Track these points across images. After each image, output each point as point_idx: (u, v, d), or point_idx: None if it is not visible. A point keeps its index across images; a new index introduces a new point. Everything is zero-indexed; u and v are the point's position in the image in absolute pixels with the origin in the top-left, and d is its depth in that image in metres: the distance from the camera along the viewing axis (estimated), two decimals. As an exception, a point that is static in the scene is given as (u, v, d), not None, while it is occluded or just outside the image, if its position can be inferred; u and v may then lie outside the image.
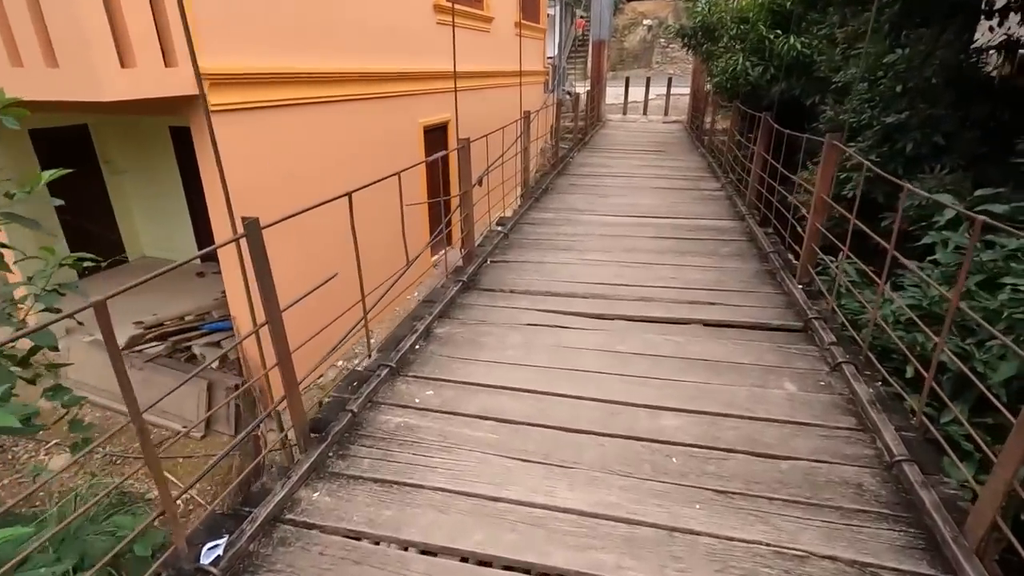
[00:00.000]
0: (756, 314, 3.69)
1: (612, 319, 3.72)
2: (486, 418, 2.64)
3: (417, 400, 2.79)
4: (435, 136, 8.83)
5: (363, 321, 2.93)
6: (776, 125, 5.62)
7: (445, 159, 8.69)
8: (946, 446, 2.39)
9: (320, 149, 6.16)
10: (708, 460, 2.36)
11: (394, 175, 3.14)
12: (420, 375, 3.02)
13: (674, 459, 2.37)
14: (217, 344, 6.24)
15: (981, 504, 1.92)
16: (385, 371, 2.95)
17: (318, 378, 6.36)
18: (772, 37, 8.71)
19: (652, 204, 6.65)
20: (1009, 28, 5.73)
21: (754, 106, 8.70)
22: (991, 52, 6.06)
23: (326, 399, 2.83)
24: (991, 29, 5.67)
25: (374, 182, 2.93)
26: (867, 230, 3.12)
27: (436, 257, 8.56)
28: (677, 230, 5.59)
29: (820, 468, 2.30)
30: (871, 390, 2.74)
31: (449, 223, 4.79)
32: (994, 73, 6.13)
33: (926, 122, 5.20)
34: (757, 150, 6.18)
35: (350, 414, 2.57)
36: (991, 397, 2.10)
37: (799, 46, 8.19)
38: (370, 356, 3.12)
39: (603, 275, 4.41)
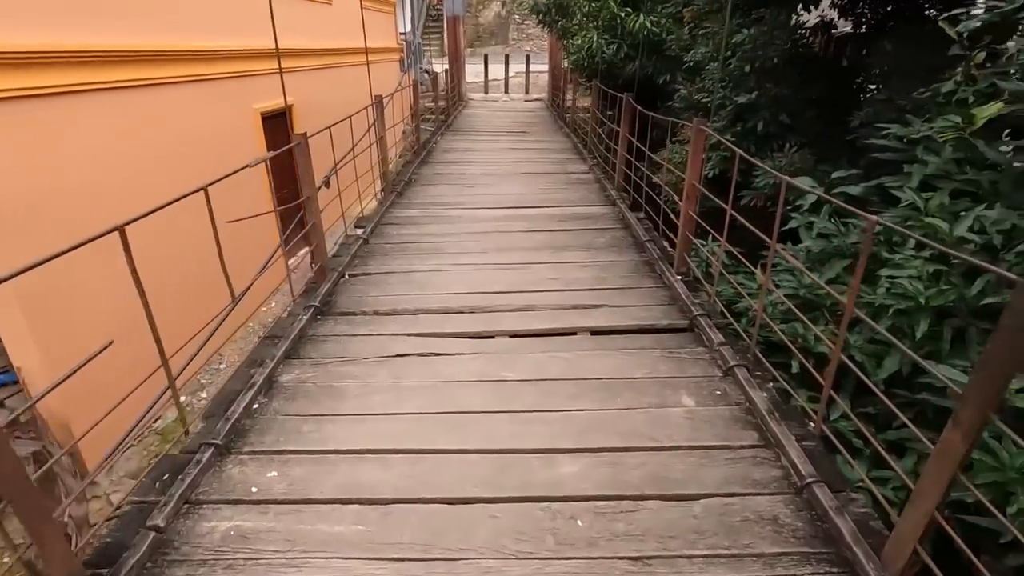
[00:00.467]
0: (642, 315, 3.48)
1: (494, 337, 3.30)
2: (348, 501, 2.09)
3: (254, 489, 2.15)
4: (277, 125, 7.74)
5: (170, 388, 2.21)
6: (639, 107, 5.51)
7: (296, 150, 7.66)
8: (840, 447, 2.31)
9: (121, 149, 4.97)
10: (617, 516, 2.03)
11: (200, 190, 2.40)
12: (259, 449, 2.36)
13: (579, 521, 2.01)
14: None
15: (900, 532, 1.79)
16: (209, 451, 2.26)
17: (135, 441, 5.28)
18: (623, 15, 8.73)
19: (522, 192, 6.32)
20: (823, 10, 6.12)
21: (612, 84, 8.73)
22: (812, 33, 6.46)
23: (124, 506, 2.09)
24: (807, 11, 6.00)
25: (169, 202, 2.18)
26: (748, 224, 2.99)
27: (294, 260, 7.57)
28: (550, 221, 5.31)
29: (733, 504, 2.08)
30: (765, 395, 2.61)
31: (298, 232, 4.04)
32: (821, 54, 6.56)
33: (773, 102, 5.39)
34: (622, 132, 6.08)
35: (152, 533, 1.88)
36: (885, 399, 2.00)
37: (649, 24, 8.27)
38: (187, 433, 2.39)
39: (479, 282, 3.97)
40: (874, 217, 1.93)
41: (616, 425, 2.50)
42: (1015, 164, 2.39)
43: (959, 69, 3.10)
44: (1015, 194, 2.44)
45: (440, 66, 14.88)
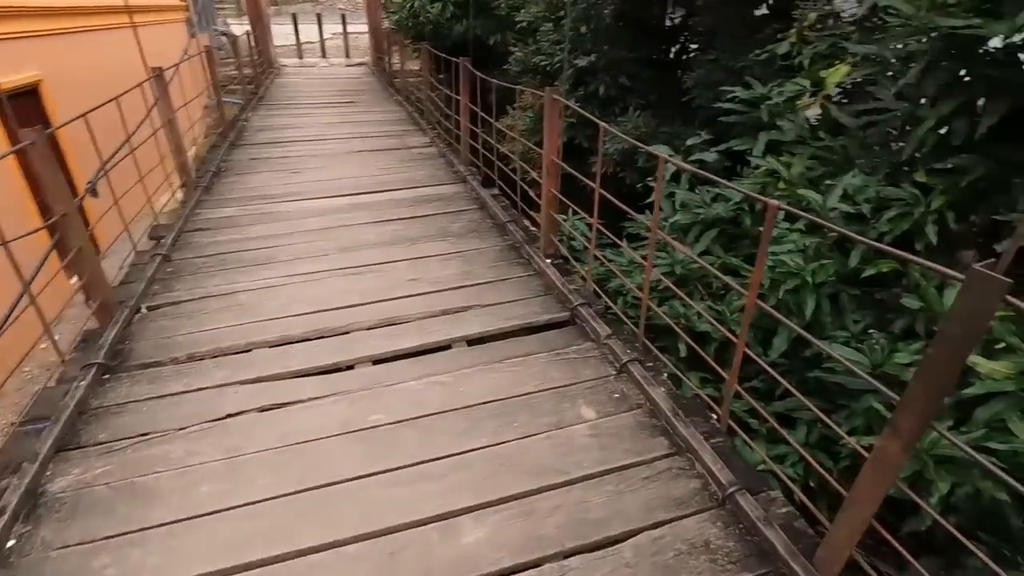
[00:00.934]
0: (520, 312, 3.15)
1: (353, 367, 2.73)
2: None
3: None
4: (25, 106, 5.92)
5: None
6: (480, 74, 5.05)
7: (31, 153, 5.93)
8: (738, 430, 2.22)
9: None
10: (543, 589, 1.69)
11: None
12: (22, 619, 1.60)
13: (501, 610, 1.63)
14: None
15: (835, 539, 1.68)
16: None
17: None
18: (446, -30, 8.10)
19: (359, 175, 5.57)
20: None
21: (441, 46, 8.14)
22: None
23: None
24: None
25: None
26: (616, 201, 2.75)
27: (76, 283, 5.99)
28: (398, 208, 4.71)
29: (663, 538, 1.85)
30: (664, 390, 2.44)
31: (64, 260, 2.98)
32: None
33: (612, 64, 5.30)
34: (463, 101, 5.59)
35: None
36: (780, 379, 1.90)
37: (475, -19, 7.77)
38: None
39: (325, 295, 3.31)
40: (774, 202, 1.75)
41: (518, 461, 2.14)
42: (865, 129, 2.41)
43: (792, 31, 3.11)
44: (864, 159, 2.47)
45: (240, 28, 12.86)
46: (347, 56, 15.79)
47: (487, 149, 5.08)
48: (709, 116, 5.02)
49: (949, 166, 2.43)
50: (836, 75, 2.45)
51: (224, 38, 12.90)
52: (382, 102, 9.56)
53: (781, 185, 2.66)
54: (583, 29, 5.23)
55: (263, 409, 2.43)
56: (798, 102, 2.74)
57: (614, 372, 2.63)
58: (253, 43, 10.85)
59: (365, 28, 14.62)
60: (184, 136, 5.20)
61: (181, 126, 5.14)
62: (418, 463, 2.13)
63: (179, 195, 5.05)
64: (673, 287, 2.58)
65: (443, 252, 3.88)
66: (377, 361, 2.77)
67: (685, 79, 5.11)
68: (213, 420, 2.36)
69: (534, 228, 4.19)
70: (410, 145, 6.75)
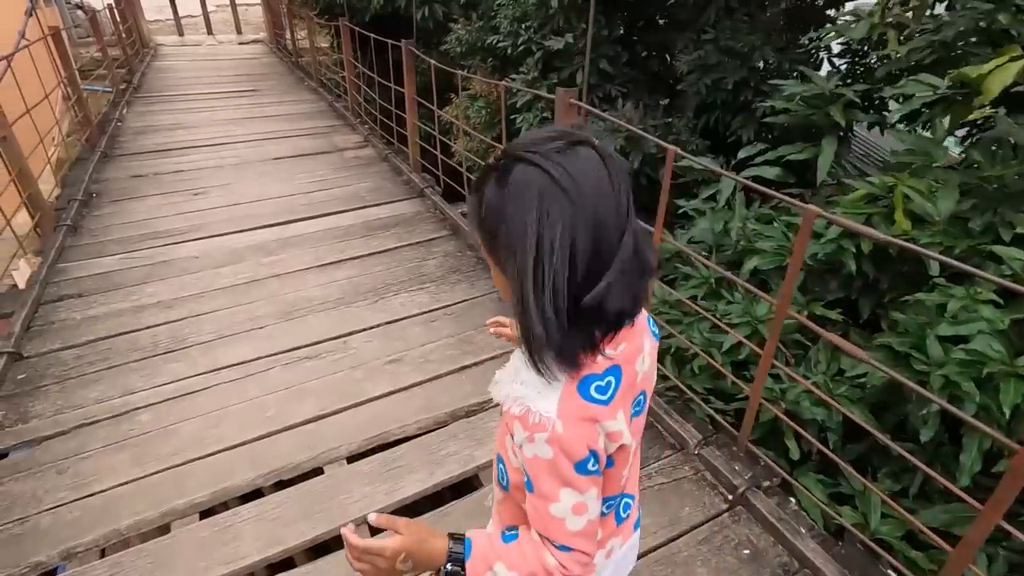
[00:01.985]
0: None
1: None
2: None
3: None
4: None
5: None
6: (435, 62, 4.02)
7: None
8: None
9: None
10: None
11: None
12: None
13: None
14: None
15: None
16: None
17: None
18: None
19: (284, 192, 4.38)
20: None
21: (357, 21, 6.86)
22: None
23: None
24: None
25: None
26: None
27: None
28: (346, 240, 3.65)
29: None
30: (814, 542, 1.71)
31: None
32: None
33: (593, 46, 4.42)
34: (407, 93, 4.53)
35: None
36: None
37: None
38: None
39: (275, 405, 2.28)
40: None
41: None
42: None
43: (875, 5, 2.40)
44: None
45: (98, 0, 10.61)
46: (238, 32, 13.73)
47: (438, 149, 4.08)
48: (702, 105, 4.33)
49: None
50: (1003, 76, 1.77)
51: (80, 12, 10.69)
52: (292, 89, 8.10)
53: (931, 233, 1.96)
54: (553, 3, 4.31)
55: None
56: (927, 110, 2.02)
57: (725, 507, 1.87)
58: (117, 18, 8.86)
59: (257, -1, 12.71)
60: (30, 153, 3.78)
61: (23, 141, 3.72)
62: None
63: (25, 248, 3.67)
64: (758, 350, 1.84)
65: (424, 308, 2.92)
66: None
67: (676, 62, 4.35)
68: None
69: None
70: (340, 146, 5.56)
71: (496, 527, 0.86)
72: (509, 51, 4.72)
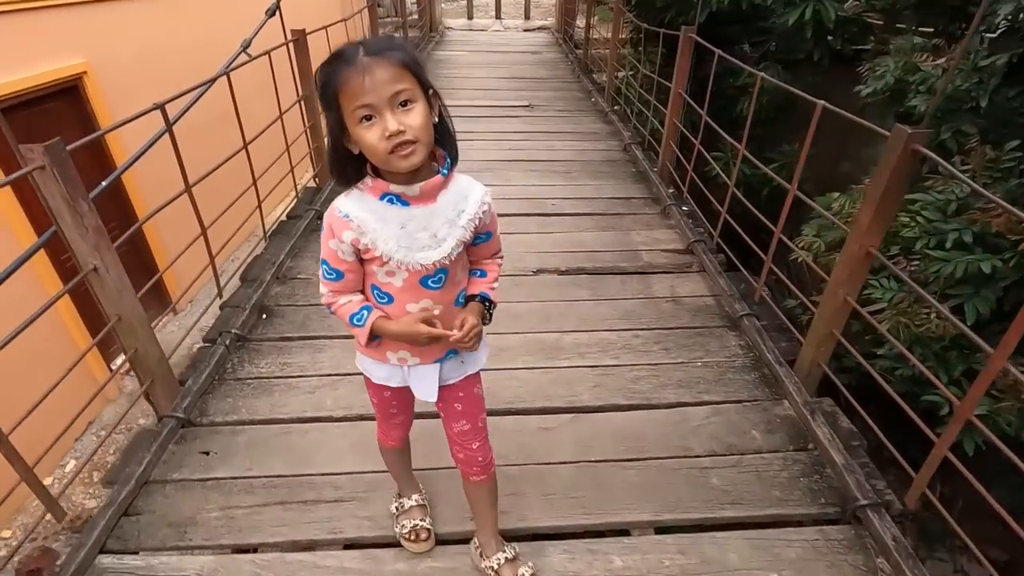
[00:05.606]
0: None
1: None
2: None
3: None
4: (52, 114, 4.22)
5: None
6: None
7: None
8: None
9: None
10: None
11: None
12: None
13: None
14: None
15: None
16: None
17: None
18: None
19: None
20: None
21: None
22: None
23: None
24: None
25: None
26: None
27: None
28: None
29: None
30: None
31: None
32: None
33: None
34: (674, 87, 3.35)
35: None
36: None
37: None
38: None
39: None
40: None
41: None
42: None
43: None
44: None
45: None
46: (526, 17, 13.61)
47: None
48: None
49: None
50: None
51: (385, -10, 10.89)
52: (576, 100, 6.52)
53: None
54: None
55: None
56: None
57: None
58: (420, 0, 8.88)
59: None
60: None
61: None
62: None
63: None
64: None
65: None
66: None
67: None
68: None
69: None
70: (645, 228, 3.56)
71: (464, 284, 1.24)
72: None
